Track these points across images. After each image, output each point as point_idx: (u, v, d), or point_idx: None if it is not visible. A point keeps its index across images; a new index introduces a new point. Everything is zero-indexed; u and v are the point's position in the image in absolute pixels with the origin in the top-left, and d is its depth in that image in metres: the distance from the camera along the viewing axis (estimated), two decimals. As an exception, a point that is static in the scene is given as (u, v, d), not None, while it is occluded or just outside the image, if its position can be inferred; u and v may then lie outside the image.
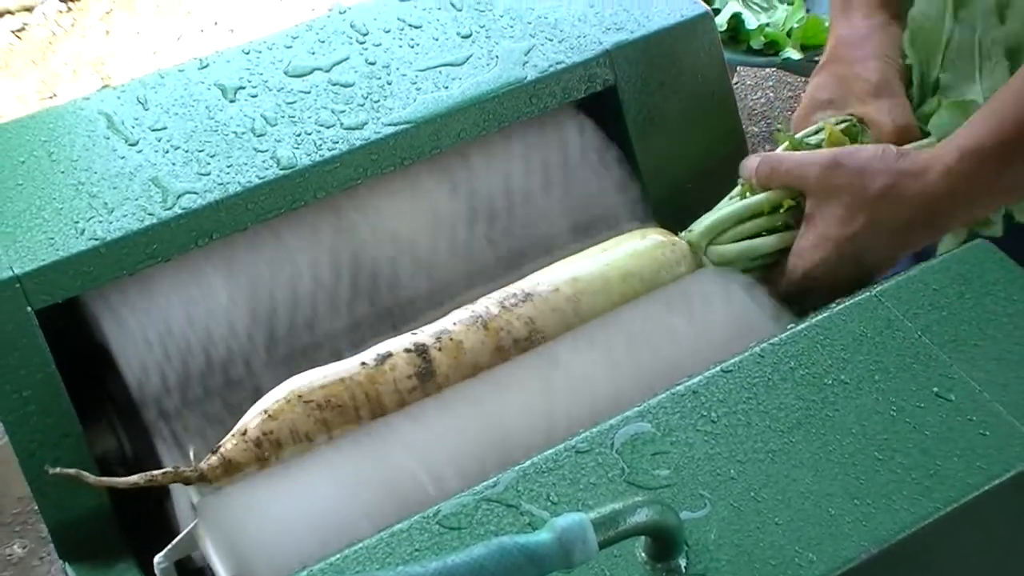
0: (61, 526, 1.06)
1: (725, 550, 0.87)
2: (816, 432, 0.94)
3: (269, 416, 1.02)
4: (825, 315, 1.03)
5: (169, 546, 1.00)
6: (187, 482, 1.00)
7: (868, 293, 1.04)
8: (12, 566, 2.36)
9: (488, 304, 1.10)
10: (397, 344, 1.07)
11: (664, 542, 0.85)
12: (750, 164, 1.17)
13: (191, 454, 1.04)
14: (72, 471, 0.99)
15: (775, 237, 1.15)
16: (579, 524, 0.78)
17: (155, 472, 1.00)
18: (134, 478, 0.99)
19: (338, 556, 0.89)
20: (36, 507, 2.37)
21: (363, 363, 1.05)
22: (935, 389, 0.97)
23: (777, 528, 0.89)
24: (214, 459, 1.01)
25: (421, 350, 1.06)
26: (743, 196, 1.16)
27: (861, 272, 1.13)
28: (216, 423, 1.09)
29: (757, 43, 2.58)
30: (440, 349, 1.06)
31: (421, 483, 1.00)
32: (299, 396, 1.02)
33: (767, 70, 3.36)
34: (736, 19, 2.58)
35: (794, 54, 2.56)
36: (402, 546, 0.88)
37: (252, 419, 1.02)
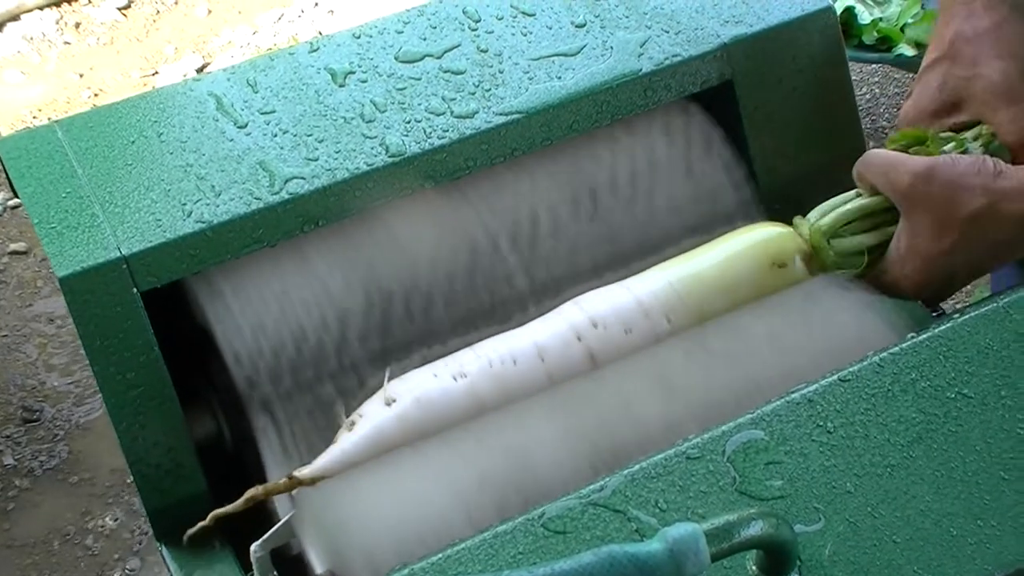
0: (160, 510, 1.06)
1: (840, 567, 0.85)
2: (938, 448, 0.91)
3: None
4: (948, 326, 0.99)
5: (266, 535, 0.99)
6: None
7: (995, 304, 1.00)
8: (104, 538, 2.39)
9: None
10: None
11: (777, 556, 0.82)
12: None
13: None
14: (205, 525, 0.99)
15: (881, 231, 1.10)
16: (692, 535, 0.76)
17: None
18: None
19: (439, 556, 0.87)
20: (128, 480, 2.40)
21: None
22: (1065, 407, 0.93)
23: (895, 547, 0.86)
24: None
25: None
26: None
27: (950, 288, 1.09)
28: (317, 415, 1.07)
29: (869, 38, 2.52)
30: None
31: (521, 483, 0.97)
32: None
33: (873, 65, 3.29)
34: (849, 13, 2.52)
35: (908, 51, 2.49)
36: (505, 548, 0.86)
37: None
